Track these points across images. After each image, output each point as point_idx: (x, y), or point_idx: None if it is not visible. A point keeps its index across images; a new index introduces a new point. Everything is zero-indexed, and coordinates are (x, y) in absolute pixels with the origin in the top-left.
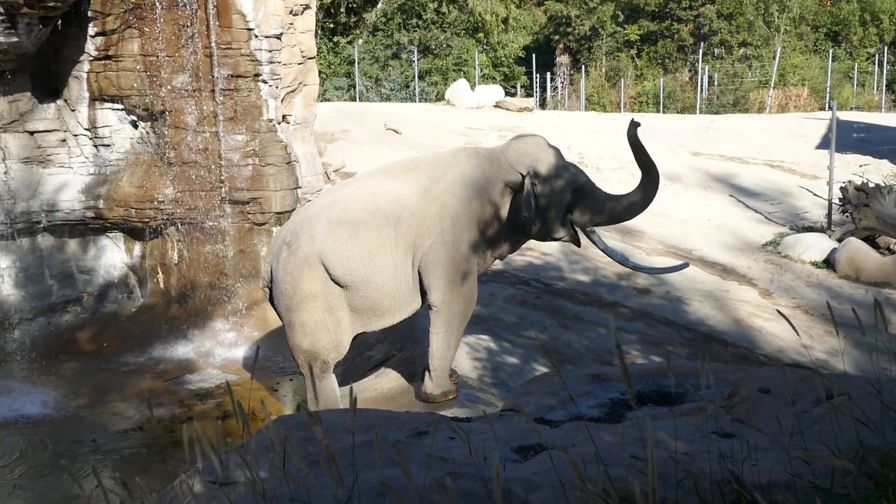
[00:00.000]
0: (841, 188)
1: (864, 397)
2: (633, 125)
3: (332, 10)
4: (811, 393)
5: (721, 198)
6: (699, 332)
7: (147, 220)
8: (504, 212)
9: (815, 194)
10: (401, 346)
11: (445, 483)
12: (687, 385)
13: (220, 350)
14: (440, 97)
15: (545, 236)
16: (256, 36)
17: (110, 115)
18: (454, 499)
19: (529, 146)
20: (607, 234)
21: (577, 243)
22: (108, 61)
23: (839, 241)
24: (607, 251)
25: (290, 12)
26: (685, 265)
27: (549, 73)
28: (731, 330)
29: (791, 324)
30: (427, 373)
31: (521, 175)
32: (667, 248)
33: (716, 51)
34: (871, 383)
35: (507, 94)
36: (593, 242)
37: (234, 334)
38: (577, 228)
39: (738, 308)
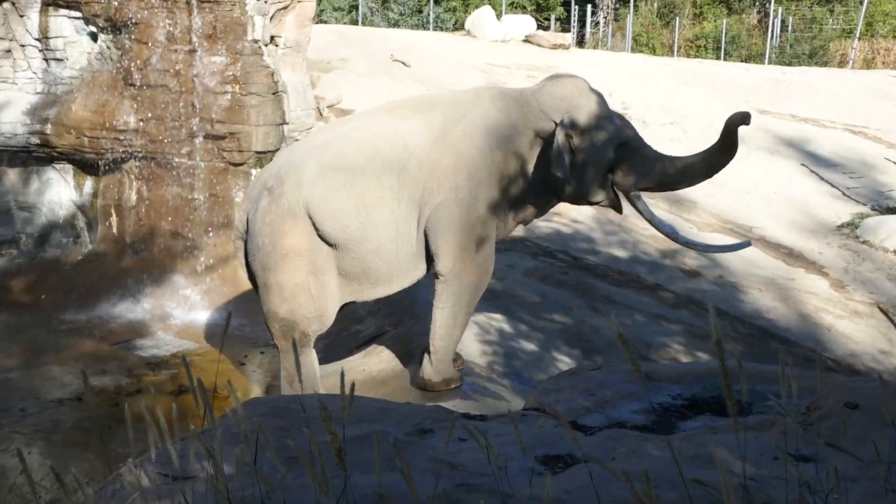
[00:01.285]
0: None
1: None
2: (744, 115)
3: None
4: None
5: (791, 166)
6: (756, 327)
7: (102, 151)
8: (531, 167)
9: None
10: (396, 320)
11: (457, 497)
12: (769, 394)
13: (179, 312)
14: (459, 26)
15: (580, 199)
16: None
17: (65, 25)
18: None
19: (568, 89)
20: (652, 203)
21: (619, 209)
22: None
23: None
24: (654, 221)
25: None
26: (747, 244)
27: (590, 6)
28: (794, 326)
29: (893, 321)
30: (427, 355)
31: (555, 123)
32: (723, 223)
33: None
34: None
35: (539, 27)
36: (638, 210)
37: (198, 294)
38: (618, 192)
39: (805, 301)
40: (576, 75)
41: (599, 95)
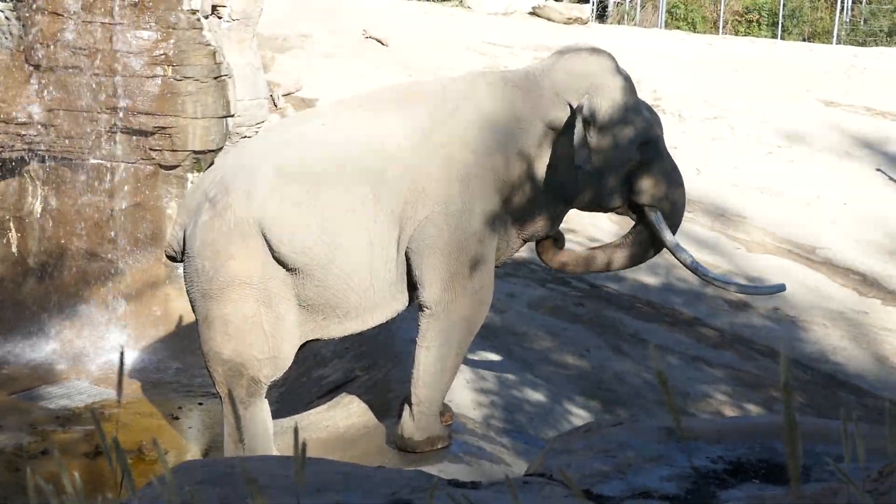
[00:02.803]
0: None
1: None
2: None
3: None
4: None
5: (865, 172)
6: (820, 373)
7: None
8: (542, 168)
9: None
10: (369, 363)
11: None
12: (828, 457)
13: (96, 352)
14: None
15: (597, 204)
16: None
17: None
18: None
19: (589, 65)
20: (689, 216)
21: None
22: None
23: None
24: (670, 245)
25: None
26: (781, 287)
27: None
28: (867, 371)
29: None
30: (408, 406)
31: (571, 107)
32: (778, 242)
33: None
34: None
35: None
36: (654, 230)
37: (119, 330)
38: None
39: (882, 339)
40: (598, 48)
41: (628, 77)
